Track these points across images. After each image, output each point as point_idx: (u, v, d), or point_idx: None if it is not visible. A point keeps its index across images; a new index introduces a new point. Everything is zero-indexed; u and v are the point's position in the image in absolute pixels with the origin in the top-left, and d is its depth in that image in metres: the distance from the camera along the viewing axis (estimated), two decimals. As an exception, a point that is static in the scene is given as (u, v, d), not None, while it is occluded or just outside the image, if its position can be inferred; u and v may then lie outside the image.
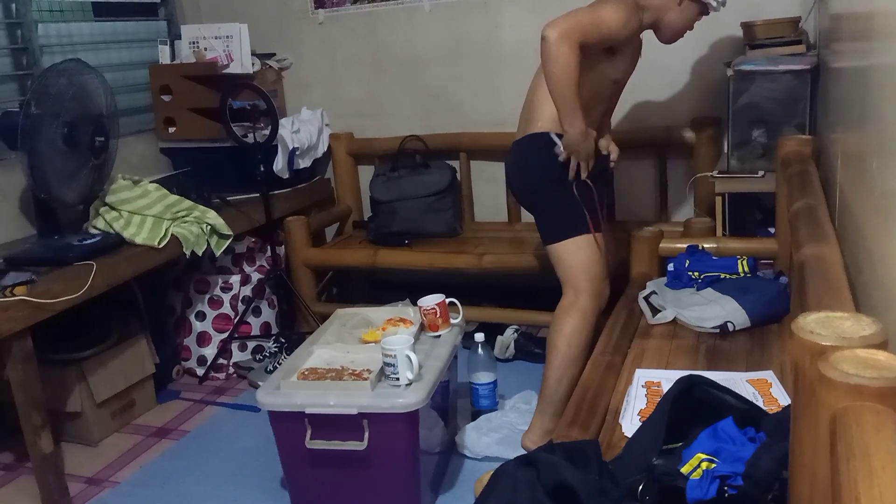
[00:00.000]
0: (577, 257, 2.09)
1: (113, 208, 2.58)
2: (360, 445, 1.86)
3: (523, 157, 2.13)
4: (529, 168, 2.12)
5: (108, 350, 2.55)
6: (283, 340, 2.92)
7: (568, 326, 2.07)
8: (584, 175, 2.04)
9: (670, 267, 2.21)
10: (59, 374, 2.42)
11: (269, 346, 2.94)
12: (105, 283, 2.30)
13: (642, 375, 1.72)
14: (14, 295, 2.06)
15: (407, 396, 1.84)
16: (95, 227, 2.56)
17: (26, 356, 2.07)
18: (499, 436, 2.18)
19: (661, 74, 2.82)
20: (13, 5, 2.78)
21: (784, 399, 1.51)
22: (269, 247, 3.03)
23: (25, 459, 2.31)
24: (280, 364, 2.69)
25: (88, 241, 2.44)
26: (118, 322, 2.68)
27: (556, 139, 2.04)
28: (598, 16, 1.94)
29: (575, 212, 2.05)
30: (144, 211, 2.60)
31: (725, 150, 2.61)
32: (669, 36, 2.13)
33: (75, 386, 2.45)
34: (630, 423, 1.51)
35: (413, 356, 1.86)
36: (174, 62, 3.22)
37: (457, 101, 3.20)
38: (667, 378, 1.64)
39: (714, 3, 2.06)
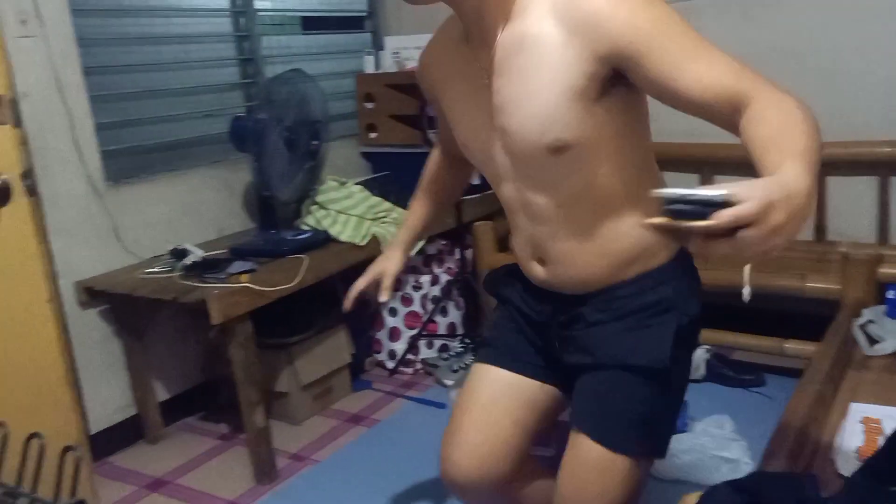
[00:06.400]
0: None
1: (322, 207, 2.78)
2: (548, 451, 1.88)
3: None
4: None
5: (313, 338, 2.75)
6: (468, 341, 3.00)
7: None
8: None
9: (890, 294, 2.02)
10: (270, 356, 2.64)
11: (455, 345, 3.03)
12: (314, 276, 2.49)
13: (858, 410, 1.59)
14: (239, 282, 2.28)
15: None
16: (307, 224, 2.78)
17: (247, 338, 2.28)
18: (689, 458, 2.11)
19: (878, 84, 2.58)
20: (241, 20, 3.08)
21: None
22: (457, 250, 3.12)
23: (239, 432, 2.55)
24: (466, 365, 2.77)
25: (301, 237, 2.65)
26: (320, 313, 2.87)
27: None
28: None
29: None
30: (349, 210, 2.78)
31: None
32: None
33: (284, 368, 2.66)
34: (846, 462, 1.41)
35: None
36: (378, 71, 3.41)
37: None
38: (889, 416, 1.51)
39: None
